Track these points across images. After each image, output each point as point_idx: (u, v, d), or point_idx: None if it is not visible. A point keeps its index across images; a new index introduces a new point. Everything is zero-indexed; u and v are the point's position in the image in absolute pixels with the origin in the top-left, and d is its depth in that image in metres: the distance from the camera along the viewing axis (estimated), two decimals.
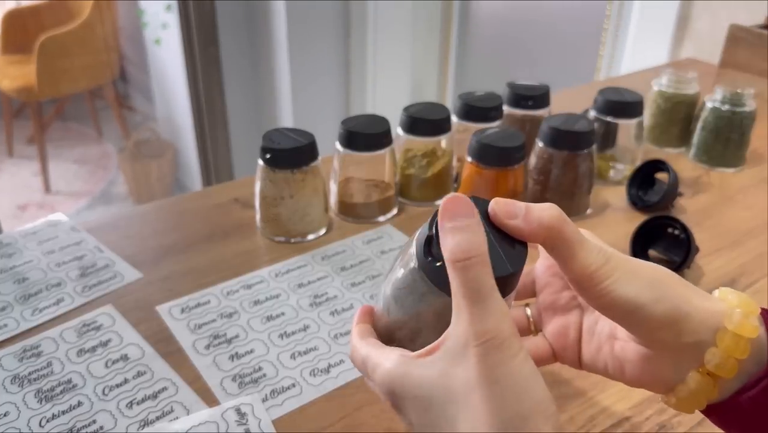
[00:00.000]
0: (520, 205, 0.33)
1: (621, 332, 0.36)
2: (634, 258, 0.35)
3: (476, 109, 0.80)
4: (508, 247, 0.32)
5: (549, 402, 0.30)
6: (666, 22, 1.44)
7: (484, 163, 0.69)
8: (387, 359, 0.32)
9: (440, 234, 0.31)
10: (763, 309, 0.34)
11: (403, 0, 2.06)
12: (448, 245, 0.30)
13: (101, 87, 2.82)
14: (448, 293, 0.31)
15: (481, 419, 0.29)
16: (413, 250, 0.33)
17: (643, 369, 0.35)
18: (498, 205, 0.33)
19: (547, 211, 0.33)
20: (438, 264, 0.31)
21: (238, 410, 0.49)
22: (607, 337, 0.37)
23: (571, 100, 1.03)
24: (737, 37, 1.19)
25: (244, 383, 0.52)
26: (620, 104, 0.84)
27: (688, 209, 0.79)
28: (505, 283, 0.31)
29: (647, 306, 0.32)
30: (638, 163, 0.82)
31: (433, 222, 0.32)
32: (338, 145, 0.72)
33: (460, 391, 0.29)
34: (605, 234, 0.73)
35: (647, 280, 0.33)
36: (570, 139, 0.73)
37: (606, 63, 1.62)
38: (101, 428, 0.47)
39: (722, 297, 0.35)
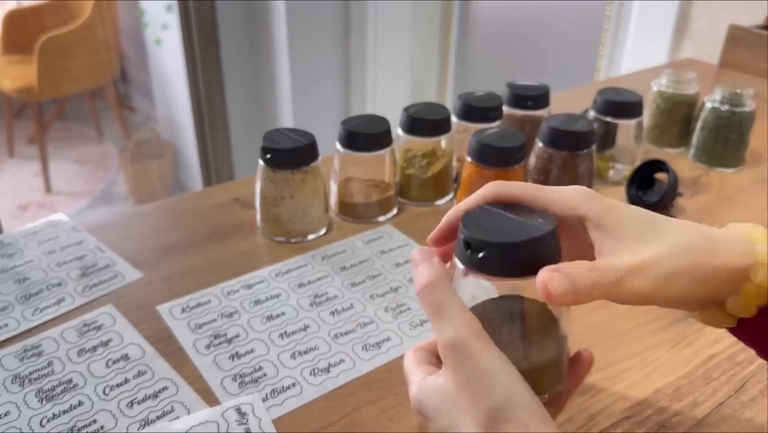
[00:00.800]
0: (567, 286, 0.34)
1: None
2: (662, 230, 0.36)
3: (476, 110, 0.80)
4: (534, 221, 0.36)
5: (520, 390, 0.32)
6: (665, 22, 1.44)
7: (483, 164, 0.70)
8: (412, 383, 0.38)
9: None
10: None
11: (403, 0, 2.06)
12: (415, 287, 0.37)
13: (102, 87, 2.82)
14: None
15: (467, 418, 0.33)
16: (455, 260, 0.37)
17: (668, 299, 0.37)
18: (547, 291, 0.34)
19: (588, 279, 0.34)
20: (480, 255, 0.35)
21: (238, 410, 0.49)
22: None
23: (571, 101, 1.03)
24: (737, 37, 1.19)
25: (244, 382, 0.52)
26: (620, 104, 0.84)
27: (688, 209, 0.79)
28: (529, 249, 0.35)
29: (683, 297, 0.35)
30: (638, 163, 0.82)
31: (464, 225, 0.36)
32: (338, 146, 0.72)
33: (451, 399, 0.34)
34: None
35: (685, 274, 0.35)
36: (569, 140, 0.73)
37: (605, 63, 1.62)
38: (102, 427, 0.47)
39: (753, 239, 0.36)
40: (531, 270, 0.34)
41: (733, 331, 0.39)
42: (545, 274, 0.33)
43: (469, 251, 0.35)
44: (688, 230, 0.36)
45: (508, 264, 0.35)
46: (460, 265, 0.36)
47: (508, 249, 0.34)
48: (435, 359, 0.40)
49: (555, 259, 0.36)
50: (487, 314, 0.38)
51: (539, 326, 0.38)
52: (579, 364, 0.40)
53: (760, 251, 0.36)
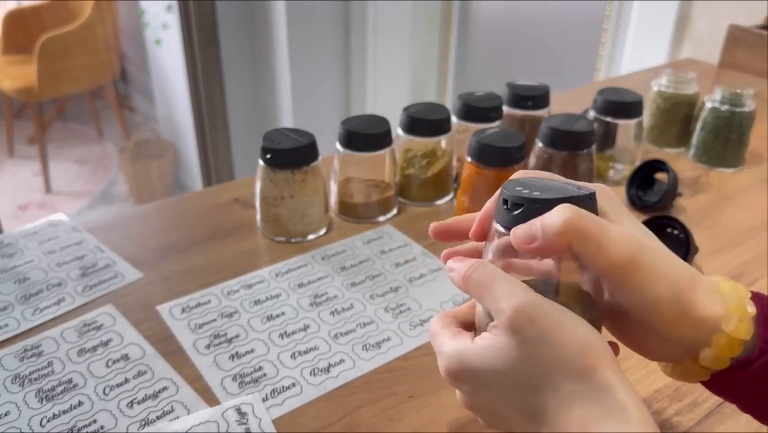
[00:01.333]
0: (536, 226, 0.33)
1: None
2: (657, 244, 0.36)
3: (476, 110, 0.80)
4: (572, 187, 0.37)
5: (597, 335, 0.33)
6: (665, 22, 1.44)
7: (483, 164, 0.70)
8: (447, 345, 0.37)
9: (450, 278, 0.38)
10: (754, 293, 0.36)
11: (403, 0, 2.06)
12: (455, 280, 0.37)
13: (102, 87, 2.82)
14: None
15: (551, 372, 0.32)
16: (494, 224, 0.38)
17: (642, 345, 0.38)
18: (517, 238, 0.34)
19: (558, 218, 0.33)
20: (516, 212, 0.36)
21: (238, 410, 0.49)
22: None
23: (571, 101, 1.03)
24: (736, 37, 1.19)
25: (244, 382, 0.52)
26: (620, 104, 0.84)
27: (688, 209, 0.79)
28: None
29: (665, 307, 0.34)
30: (638, 163, 0.82)
31: (505, 187, 0.37)
32: (338, 146, 0.72)
33: (521, 361, 0.33)
34: None
35: (670, 279, 0.34)
36: (569, 140, 0.73)
37: (605, 63, 1.62)
38: (102, 427, 0.47)
39: (722, 291, 0.36)
40: None
41: (707, 385, 0.38)
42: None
43: (506, 207, 0.36)
44: (676, 260, 0.36)
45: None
46: (499, 227, 0.37)
47: (544, 205, 0.35)
48: (465, 327, 0.39)
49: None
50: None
51: (576, 303, 0.38)
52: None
53: (729, 300, 0.35)
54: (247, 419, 0.48)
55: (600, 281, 0.37)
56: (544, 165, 0.75)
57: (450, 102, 2.23)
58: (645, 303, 0.34)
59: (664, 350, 0.37)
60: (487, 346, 0.34)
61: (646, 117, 0.94)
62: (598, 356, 0.32)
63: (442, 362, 0.37)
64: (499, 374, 0.34)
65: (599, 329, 0.38)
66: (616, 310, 0.37)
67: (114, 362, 0.53)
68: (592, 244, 0.33)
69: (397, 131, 0.76)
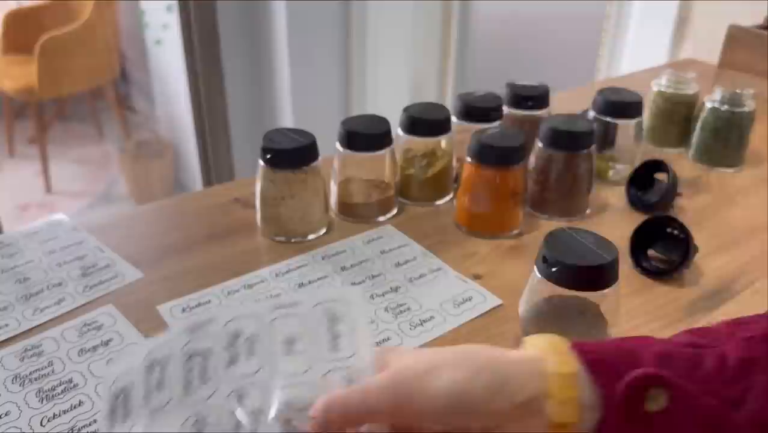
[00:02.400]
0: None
1: None
2: (411, 354, 0.36)
3: (476, 110, 0.80)
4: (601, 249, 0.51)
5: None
6: (665, 22, 1.44)
7: (483, 164, 0.70)
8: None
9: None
10: (573, 346, 0.34)
11: (403, 0, 2.06)
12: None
13: (102, 87, 2.82)
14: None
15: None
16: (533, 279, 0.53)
17: None
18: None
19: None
20: (553, 269, 0.50)
21: None
22: None
23: (571, 101, 1.03)
24: (736, 37, 1.19)
25: None
26: (620, 105, 0.84)
27: (688, 209, 0.79)
28: (589, 270, 0.50)
29: (468, 388, 0.33)
30: (637, 163, 0.82)
31: (545, 243, 0.51)
32: (338, 146, 0.72)
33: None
34: (605, 234, 0.73)
35: (452, 364, 0.33)
36: (569, 140, 0.73)
37: (605, 63, 1.62)
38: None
39: (531, 343, 0.35)
40: (589, 286, 0.50)
41: None
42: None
43: (545, 264, 0.50)
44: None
45: (572, 279, 0.49)
46: (538, 274, 0.51)
47: (574, 269, 0.49)
48: None
49: (610, 281, 0.50)
50: (550, 307, 0.52)
51: (589, 319, 0.51)
52: None
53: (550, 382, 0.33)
54: None
55: None
56: (544, 165, 0.75)
57: (450, 102, 2.23)
58: (445, 398, 0.33)
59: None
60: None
61: (646, 117, 0.94)
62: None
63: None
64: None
65: None
66: None
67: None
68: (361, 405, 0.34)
69: (397, 131, 0.77)
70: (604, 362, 0.33)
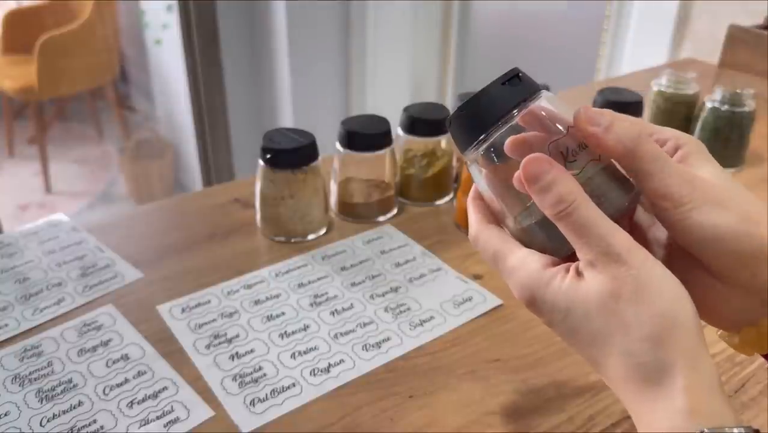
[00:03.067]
0: (606, 117, 0.33)
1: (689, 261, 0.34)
2: (736, 188, 0.34)
3: None
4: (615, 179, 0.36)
5: (684, 303, 0.30)
6: (665, 22, 1.44)
7: None
8: (524, 267, 0.34)
9: (534, 199, 0.33)
10: None
11: (403, 0, 2.06)
12: (544, 206, 0.33)
13: (102, 87, 2.82)
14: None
15: (633, 326, 0.30)
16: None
17: (706, 302, 0.34)
18: (582, 112, 0.34)
19: (626, 129, 0.33)
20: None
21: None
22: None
23: (571, 101, 1.03)
24: (736, 37, 1.19)
25: (244, 382, 0.52)
26: (620, 104, 0.84)
27: None
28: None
29: (734, 239, 0.32)
30: None
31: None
32: (338, 146, 0.72)
33: (595, 306, 0.31)
34: None
35: (739, 213, 0.32)
36: None
37: (605, 63, 1.62)
38: (102, 427, 0.47)
39: None
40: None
41: None
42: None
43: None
44: (759, 204, 0.33)
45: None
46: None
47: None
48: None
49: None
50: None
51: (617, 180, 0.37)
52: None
53: None
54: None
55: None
56: None
57: (450, 102, 2.23)
58: (706, 235, 0.32)
59: (735, 305, 0.33)
60: (574, 288, 0.32)
61: (646, 117, 0.94)
62: (675, 327, 0.30)
63: (515, 290, 0.35)
64: (576, 317, 0.32)
65: (634, 210, 0.38)
66: (677, 256, 0.35)
67: (114, 362, 0.53)
68: (644, 169, 0.33)
69: (397, 131, 0.76)
70: None
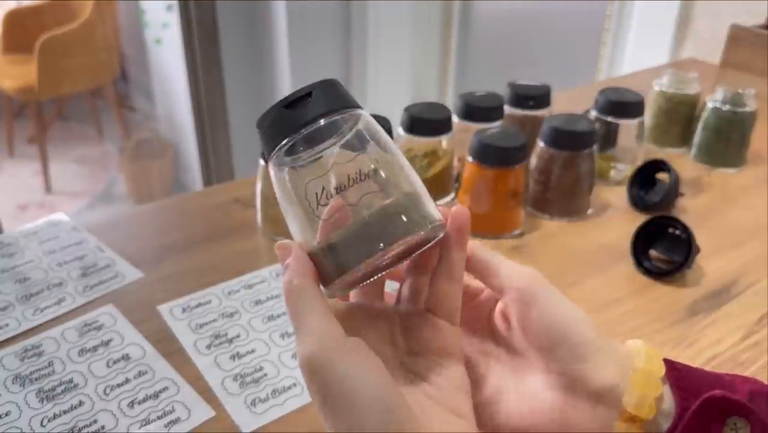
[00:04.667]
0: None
1: (533, 382, 0.35)
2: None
3: (477, 109, 0.80)
4: None
5: (379, 402, 0.29)
6: (667, 22, 1.44)
7: (485, 163, 0.69)
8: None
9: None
10: (666, 358, 0.34)
11: (403, 0, 2.06)
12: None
13: (102, 87, 2.82)
14: None
15: None
16: None
17: (556, 419, 0.34)
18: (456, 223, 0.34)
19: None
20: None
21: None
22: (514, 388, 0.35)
23: (572, 101, 1.03)
24: (738, 37, 1.19)
25: (245, 382, 0.52)
26: (621, 104, 0.83)
27: (689, 210, 0.79)
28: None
29: (576, 325, 0.33)
30: (639, 163, 0.82)
31: None
32: None
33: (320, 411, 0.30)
34: (606, 235, 0.73)
35: (577, 307, 0.34)
36: (571, 140, 0.73)
37: (607, 63, 1.62)
38: (102, 427, 0.47)
39: (630, 342, 0.35)
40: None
41: None
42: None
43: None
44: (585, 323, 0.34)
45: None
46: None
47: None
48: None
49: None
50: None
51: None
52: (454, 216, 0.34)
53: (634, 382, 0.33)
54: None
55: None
56: (546, 165, 0.75)
57: (451, 102, 2.23)
58: (558, 323, 0.33)
59: (583, 416, 0.33)
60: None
61: (648, 117, 0.94)
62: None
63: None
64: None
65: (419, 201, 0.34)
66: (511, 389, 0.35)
67: (114, 362, 0.53)
68: (488, 267, 0.35)
69: (398, 131, 0.76)
70: (691, 378, 0.33)
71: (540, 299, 0.34)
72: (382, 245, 0.31)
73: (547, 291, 0.34)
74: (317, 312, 0.31)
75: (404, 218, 0.31)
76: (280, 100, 0.32)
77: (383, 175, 0.32)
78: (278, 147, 0.32)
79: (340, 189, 0.32)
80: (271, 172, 0.33)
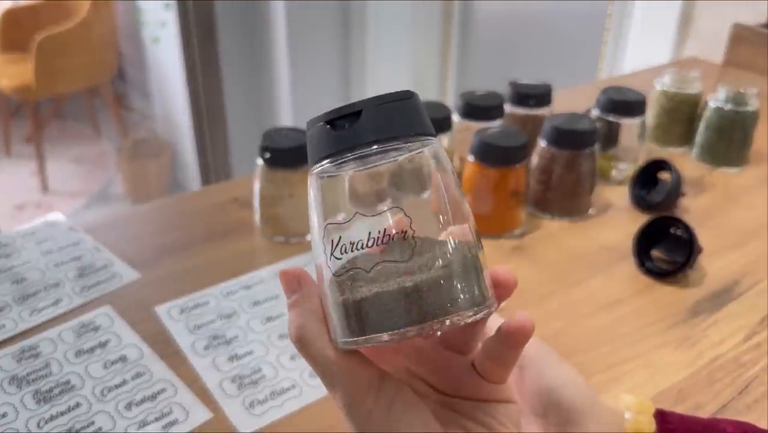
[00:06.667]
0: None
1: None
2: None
3: (478, 108, 0.79)
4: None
5: None
6: (668, 21, 1.43)
7: (486, 163, 0.69)
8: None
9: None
10: (658, 410, 0.35)
11: (403, 0, 2.06)
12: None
13: (99, 86, 2.81)
14: None
15: None
16: None
17: None
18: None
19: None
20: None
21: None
22: None
23: (574, 100, 1.02)
24: (740, 36, 1.19)
25: (243, 384, 0.51)
26: (623, 103, 0.83)
27: (691, 209, 0.78)
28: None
29: (566, 389, 0.34)
30: (641, 162, 0.81)
31: None
32: None
33: None
34: (608, 235, 0.73)
35: (569, 369, 0.35)
36: (572, 139, 0.73)
37: (608, 62, 1.62)
38: (100, 429, 0.47)
39: (621, 399, 0.36)
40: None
41: None
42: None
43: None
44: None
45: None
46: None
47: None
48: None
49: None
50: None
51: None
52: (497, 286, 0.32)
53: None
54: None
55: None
56: (547, 164, 0.74)
57: (451, 101, 2.22)
58: (556, 387, 0.34)
59: None
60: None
61: (650, 116, 0.93)
62: None
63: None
64: None
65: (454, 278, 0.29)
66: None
67: (112, 364, 0.53)
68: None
69: None
70: (683, 431, 0.34)
71: (535, 363, 0.34)
72: (420, 319, 0.27)
73: (540, 352, 0.35)
74: (334, 359, 0.29)
75: (452, 294, 0.27)
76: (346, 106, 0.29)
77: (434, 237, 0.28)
78: (322, 159, 0.29)
79: (382, 240, 0.29)
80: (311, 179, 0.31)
